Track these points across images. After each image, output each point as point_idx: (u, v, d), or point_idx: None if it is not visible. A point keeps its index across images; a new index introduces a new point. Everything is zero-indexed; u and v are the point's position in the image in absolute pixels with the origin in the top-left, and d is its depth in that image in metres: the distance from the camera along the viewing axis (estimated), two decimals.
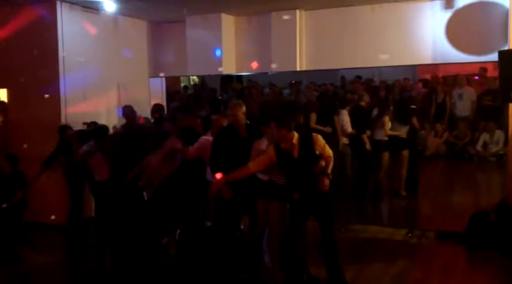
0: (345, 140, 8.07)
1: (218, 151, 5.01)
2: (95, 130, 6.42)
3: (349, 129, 8.03)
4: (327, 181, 4.52)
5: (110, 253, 5.76)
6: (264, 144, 4.93)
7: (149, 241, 5.59)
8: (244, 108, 5.07)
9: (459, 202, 7.85)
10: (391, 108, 8.42)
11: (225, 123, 5.39)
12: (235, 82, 13.62)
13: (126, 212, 5.44)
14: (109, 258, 5.73)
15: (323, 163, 4.53)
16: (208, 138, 5.49)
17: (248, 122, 5.15)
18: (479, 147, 10.53)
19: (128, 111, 7.20)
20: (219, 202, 5.14)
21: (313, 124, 7.88)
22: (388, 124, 7.99)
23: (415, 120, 8.24)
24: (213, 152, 5.05)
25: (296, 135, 4.60)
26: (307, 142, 4.58)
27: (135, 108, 7.40)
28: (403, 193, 8.10)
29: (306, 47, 8.21)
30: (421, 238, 6.41)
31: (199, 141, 5.47)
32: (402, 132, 8.02)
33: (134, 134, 6.25)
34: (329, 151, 4.63)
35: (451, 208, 7.65)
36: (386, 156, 8.04)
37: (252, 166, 4.70)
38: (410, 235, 6.48)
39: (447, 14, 7.38)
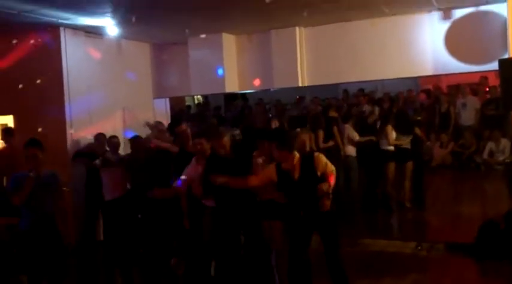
0: (351, 151, 8.04)
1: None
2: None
3: (357, 137, 8.02)
4: (327, 202, 4.49)
5: (120, 275, 5.77)
6: (260, 158, 4.92)
7: (157, 262, 5.59)
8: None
9: (467, 212, 7.79)
10: (394, 118, 8.40)
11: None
12: (239, 99, 13.74)
13: (135, 232, 5.45)
14: (119, 280, 5.74)
15: (324, 187, 4.40)
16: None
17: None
18: (485, 155, 10.50)
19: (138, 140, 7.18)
20: (214, 222, 5.11)
21: (321, 144, 7.77)
22: (392, 134, 7.99)
23: (418, 130, 8.24)
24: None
25: (297, 155, 4.56)
26: (308, 163, 4.52)
27: (140, 130, 7.48)
28: (408, 204, 8.08)
29: (307, 63, 8.29)
30: (431, 250, 6.36)
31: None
32: (405, 142, 8.01)
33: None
34: (331, 168, 4.57)
35: (459, 218, 7.60)
36: (392, 166, 8.01)
37: (252, 180, 4.65)
38: (419, 248, 6.44)
39: (445, 25, 7.44)
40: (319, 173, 4.47)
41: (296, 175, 4.48)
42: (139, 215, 6.28)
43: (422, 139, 8.63)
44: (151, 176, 5.99)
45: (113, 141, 6.94)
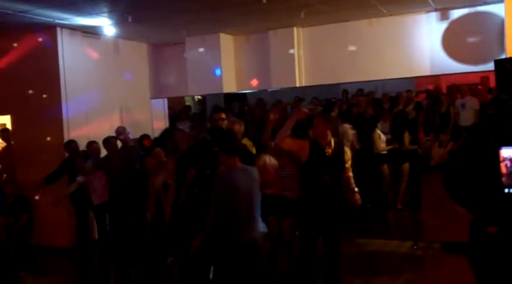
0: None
1: None
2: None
3: (357, 146, 7.90)
4: (358, 196, 4.73)
5: (115, 275, 5.77)
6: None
7: (153, 261, 5.59)
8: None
9: (465, 212, 7.76)
10: (382, 121, 8.37)
11: None
12: (240, 99, 13.67)
13: (128, 234, 5.44)
14: (114, 280, 5.74)
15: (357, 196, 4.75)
16: None
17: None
18: None
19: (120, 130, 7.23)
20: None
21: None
22: (379, 141, 7.94)
23: (406, 136, 8.22)
24: None
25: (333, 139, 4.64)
26: (340, 149, 4.66)
27: (138, 130, 7.49)
28: (399, 206, 8.09)
29: (305, 63, 8.29)
30: (427, 249, 6.36)
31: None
32: (391, 146, 7.99)
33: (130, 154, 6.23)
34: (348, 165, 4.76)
35: (456, 218, 7.56)
36: (385, 168, 8.02)
37: (286, 142, 4.47)
38: (415, 247, 6.44)
39: (443, 25, 7.44)
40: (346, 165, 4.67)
41: (329, 151, 4.55)
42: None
43: (405, 145, 8.47)
44: None
45: (93, 147, 6.62)
